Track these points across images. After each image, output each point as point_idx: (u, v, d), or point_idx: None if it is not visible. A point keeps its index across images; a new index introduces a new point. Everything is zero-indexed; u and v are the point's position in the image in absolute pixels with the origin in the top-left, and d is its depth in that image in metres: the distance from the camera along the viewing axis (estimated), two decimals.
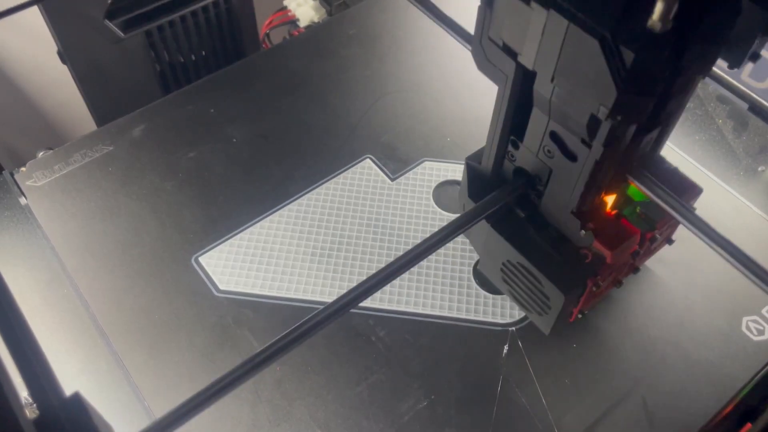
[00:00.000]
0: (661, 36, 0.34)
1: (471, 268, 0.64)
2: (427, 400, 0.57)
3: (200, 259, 0.65)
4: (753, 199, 0.69)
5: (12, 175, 0.70)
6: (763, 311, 0.62)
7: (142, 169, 0.71)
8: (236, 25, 0.92)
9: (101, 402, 0.56)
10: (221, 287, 0.63)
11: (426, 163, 0.72)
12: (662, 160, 0.53)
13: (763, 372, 0.59)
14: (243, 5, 0.91)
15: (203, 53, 0.92)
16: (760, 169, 0.72)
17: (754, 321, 0.61)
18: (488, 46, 0.45)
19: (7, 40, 1.05)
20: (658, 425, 0.56)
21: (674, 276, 0.64)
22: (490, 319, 0.61)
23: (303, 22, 1.00)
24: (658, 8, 0.33)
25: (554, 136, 0.47)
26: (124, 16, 0.81)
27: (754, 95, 0.78)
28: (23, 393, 0.46)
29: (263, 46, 1.02)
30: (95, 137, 0.74)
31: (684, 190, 0.53)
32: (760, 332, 0.61)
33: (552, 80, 0.41)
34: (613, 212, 0.53)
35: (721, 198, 0.70)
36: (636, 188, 0.50)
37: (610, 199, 0.52)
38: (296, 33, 1.00)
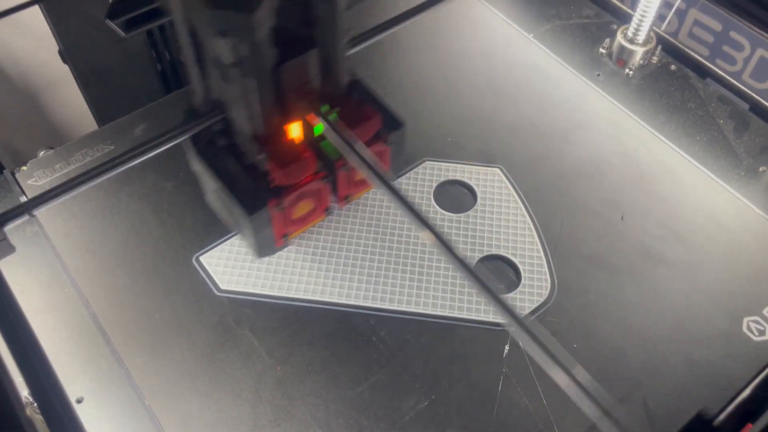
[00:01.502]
0: None
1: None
2: (428, 400, 0.57)
3: (201, 258, 0.65)
4: (754, 200, 0.69)
5: (13, 174, 0.70)
6: (764, 311, 0.62)
7: (142, 168, 0.71)
8: None
9: (102, 402, 0.56)
10: (222, 287, 0.63)
11: (427, 162, 0.72)
12: (355, 86, 0.58)
13: (763, 372, 0.59)
14: None
15: None
16: (761, 169, 0.72)
17: (755, 321, 0.61)
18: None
19: (8, 39, 1.05)
20: (658, 425, 0.56)
21: (675, 276, 0.64)
22: (491, 319, 0.61)
23: None
24: None
25: (214, 61, 0.49)
26: (126, 15, 0.81)
27: (755, 96, 0.78)
28: (24, 392, 0.46)
29: None
30: (96, 137, 0.74)
31: (362, 121, 0.56)
32: (761, 332, 0.61)
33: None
34: (299, 139, 0.56)
35: (722, 198, 0.70)
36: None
37: (294, 128, 0.55)
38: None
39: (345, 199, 0.64)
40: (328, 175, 0.59)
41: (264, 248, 0.62)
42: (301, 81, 0.52)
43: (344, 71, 0.55)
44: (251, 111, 0.51)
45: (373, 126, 0.57)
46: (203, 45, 0.48)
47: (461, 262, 0.44)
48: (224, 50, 0.45)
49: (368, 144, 0.57)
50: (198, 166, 0.59)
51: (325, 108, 0.54)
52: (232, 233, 0.66)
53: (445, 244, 0.44)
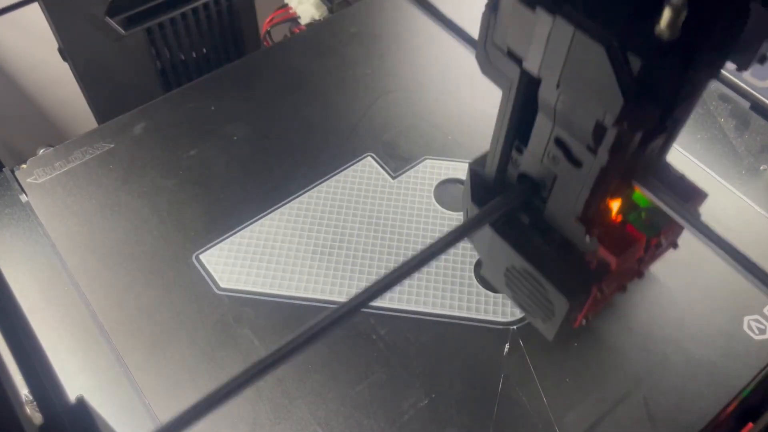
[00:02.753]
0: (669, 43, 0.33)
1: (472, 267, 0.64)
2: (428, 399, 0.57)
3: (201, 256, 0.65)
4: (755, 198, 0.69)
5: (13, 172, 0.70)
6: (765, 310, 0.62)
7: (142, 166, 0.71)
8: (237, 22, 0.92)
9: (102, 400, 0.56)
10: (222, 285, 0.63)
11: (427, 161, 0.72)
12: (668, 166, 0.53)
13: (764, 371, 0.58)
14: (244, 3, 0.91)
15: (204, 51, 0.92)
16: (761, 168, 0.72)
17: (756, 320, 0.61)
18: (492, 51, 0.44)
19: (7, 37, 1.05)
20: (659, 425, 0.56)
21: (675, 275, 0.64)
22: (491, 318, 0.61)
23: (304, 20, 1.00)
24: (666, 15, 0.32)
25: (559, 142, 0.46)
26: (125, 13, 0.81)
27: (756, 94, 0.78)
28: (23, 390, 0.46)
29: (264, 43, 1.01)
30: (96, 135, 0.74)
31: (689, 195, 0.53)
32: (762, 331, 0.61)
33: (557, 86, 0.40)
34: (619, 218, 0.52)
35: (722, 197, 0.70)
36: (640, 194, 0.49)
37: (615, 205, 0.51)
38: (297, 31, 0.99)
39: (643, 274, 0.59)
40: (643, 257, 0.54)
41: (562, 330, 0.56)
42: (646, 157, 0.48)
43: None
44: (593, 194, 0.47)
45: (699, 200, 0.55)
46: (541, 126, 0.45)
47: None
48: (607, 140, 0.41)
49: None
50: (486, 238, 0.55)
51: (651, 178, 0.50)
52: (232, 231, 0.66)
53: None
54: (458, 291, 0.63)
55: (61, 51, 0.82)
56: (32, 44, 1.04)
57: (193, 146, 0.73)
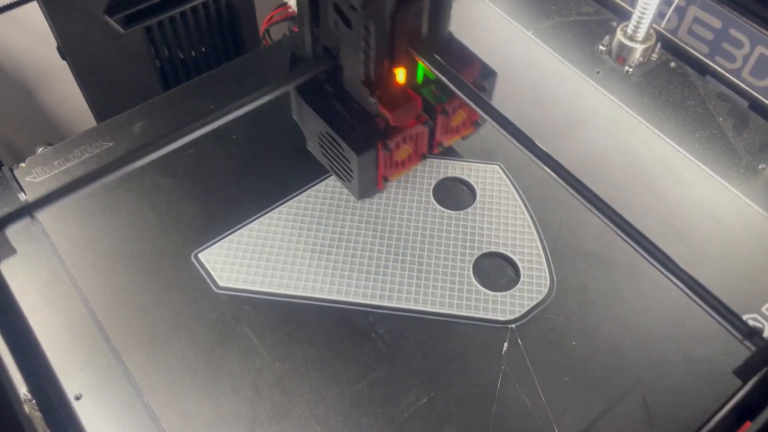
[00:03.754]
0: None
1: (471, 265, 0.64)
2: (427, 398, 0.57)
3: (200, 255, 0.65)
4: (753, 198, 0.69)
5: (11, 170, 0.70)
6: (763, 309, 0.62)
7: (141, 165, 0.71)
8: (236, 21, 0.92)
9: (100, 399, 0.56)
10: (221, 284, 0.63)
11: (426, 159, 0.72)
12: (451, 39, 0.62)
13: (763, 370, 0.59)
14: (243, 1, 0.91)
15: (203, 49, 0.92)
16: (760, 167, 0.72)
17: (754, 319, 0.61)
18: None
19: (6, 35, 1.05)
20: (657, 423, 0.56)
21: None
22: (490, 317, 0.61)
23: None
24: None
25: (335, 6, 0.54)
26: (124, 11, 0.81)
27: (755, 93, 0.78)
28: (22, 389, 0.46)
29: (263, 42, 1.01)
30: (95, 133, 0.74)
31: (465, 66, 0.61)
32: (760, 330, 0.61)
33: None
34: (403, 84, 0.60)
35: (721, 196, 0.70)
36: (425, 68, 0.59)
37: (400, 72, 0.59)
38: (297, 29, 0.99)
39: (438, 145, 0.68)
40: (428, 120, 0.63)
41: (365, 189, 0.66)
42: (412, 28, 0.56)
43: (448, 23, 0.60)
44: (367, 55, 0.54)
45: (473, 70, 0.62)
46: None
47: None
48: None
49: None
50: (303, 113, 0.63)
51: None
52: (231, 230, 0.66)
53: None
54: (457, 290, 0.63)
55: (60, 50, 0.82)
56: (31, 43, 1.04)
57: (192, 145, 0.73)
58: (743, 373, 0.39)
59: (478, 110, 0.55)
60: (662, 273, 0.43)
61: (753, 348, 0.39)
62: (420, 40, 0.58)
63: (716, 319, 0.39)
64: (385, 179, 0.66)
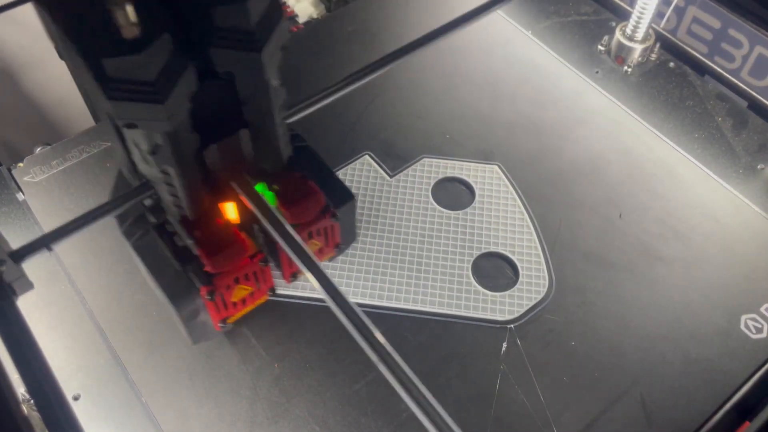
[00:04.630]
0: (137, 40, 0.34)
1: (470, 265, 0.64)
2: None
3: None
4: (752, 197, 0.69)
5: (9, 170, 0.70)
6: (762, 309, 0.62)
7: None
8: None
9: (99, 399, 0.56)
10: None
11: (425, 159, 0.72)
12: (299, 156, 0.52)
13: (761, 370, 0.59)
14: None
15: None
16: (759, 167, 0.72)
17: (753, 319, 0.61)
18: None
19: (5, 35, 1.05)
20: (656, 423, 0.56)
21: (673, 274, 0.64)
22: (489, 317, 0.61)
23: (302, 18, 1.00)
24: (116, 16, 0.33)
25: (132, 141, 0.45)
26: None
27: (754, 93, 0.78)
28: (20, 389, 0.46)
29: None
30: (93, 133, 0.74)
31: (302, 198, 0.51)
32: (759, 330, 0.61)
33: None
34: (232, 221, 0.51)
35: (720, 196, 0.70)
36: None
37: (227, 208, 0.50)
38: (295, 29, 0.99)
39: (292, 276, 0.59)
40: (268, 256, 0.54)
41: (198, 335, 0.56)
42: (232, 161, 0.47)
43: (284, 146, 0.49)
44: (176, 194, 0.46)
45: (315, 204, 0.52)
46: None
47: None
48: (138, 139, 0.41)
49: (314, 221, 0.54)
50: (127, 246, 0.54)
51: (260, 186, 0.49)
52: None
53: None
54: (456, 290, 0.63)
55: (58, 50, 0.82)
56: (30, 42, 1.04)
57: None
58: None
59: (301, 266, 0.44)
60: None
61: None
62: (246, 169, 0.48)
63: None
64: (224, 321, 0.56)
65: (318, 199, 0.52)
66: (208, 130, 0.43)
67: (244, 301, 0.56)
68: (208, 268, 0.49)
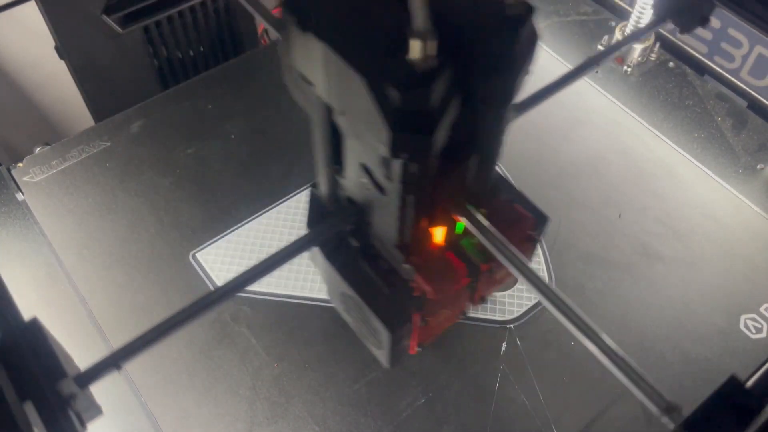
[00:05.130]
0: (428, 73, 0.33)
1: None
2: (425, 398, 0.57)
3: (198, 255, 0.65)
4: (752, 197, 0.69)
5: (9, 170, 0.70)
6: (761, 309, 0.62)
7: (139, 165, 0.71)
8: (234, 20, 0.92)
9: (98, 398, 0.56)
10: (219, 283, 0.63)
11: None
12: (502, 188, 0.52)
13: (761, 370, 0.59)
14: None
15: (201, 49, 0.91)
16: (759, 166, 0.72)
17: (753, 319, 0.61)
18: (292, 74, 0.42)
19: (4, 35, 1.04)
20: (655, 423, 0.56)
21: (672, 274, 0.64)
22: (488, 317, 0.61)
23: None
24: (413, 47, 0.31)
25: (365, 168, 0.44)
26: (122, 11, 0.81)
27: (753, 93, 0.78)
28: None
29: (261, 41, 1.01)
30: (93, 133, 0.74)
31: (514, 223, 0.51)
32: (758, 330, 0.61)
33: (342, 114, 0.39)
34: (442, 246, 0.50)
35: (720, 196, 0.70)
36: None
37: (439, 233, 0.49)
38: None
39: (480, 300, 0.58)
40: (472, 282, 0.53)
41: (396, 359, 0.55)
42: (457, 187, 0.46)
43: (493, 172, 0.50)
44: (403, 222, 0.45)
45: (525, 225, 0.52)
46: (349, 150, 0.43)
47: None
48: (394, 170, 0.40)
49: (519, 243, 0.52)
50: (323, 267, 0.53)
51: (471, 208, 0.48)
52: (230, 230, 0.66)
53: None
54: None
55: (58, 49, 0.82)
56: (29, 42, 1.04)
57: (191, 144, 0.73)
58: None
59: (524, 280, 0.44)
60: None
61: (671, 425, 0.38)
62: (462, 196, 0.48)
63: (636, 393, 0.39)
64: (421, 346, 0.56)
65: (528, 222, 0.52)
66: (448, 157, 0.42)
67: (440, 325, 0.56)
68: (429, 295, 0.49)
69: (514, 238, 0.48)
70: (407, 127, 0.35)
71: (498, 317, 0.61)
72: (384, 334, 0.50)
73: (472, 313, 0.61)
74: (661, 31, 0.82)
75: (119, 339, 0.59)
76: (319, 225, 0.49)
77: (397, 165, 0.40)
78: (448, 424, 0.55)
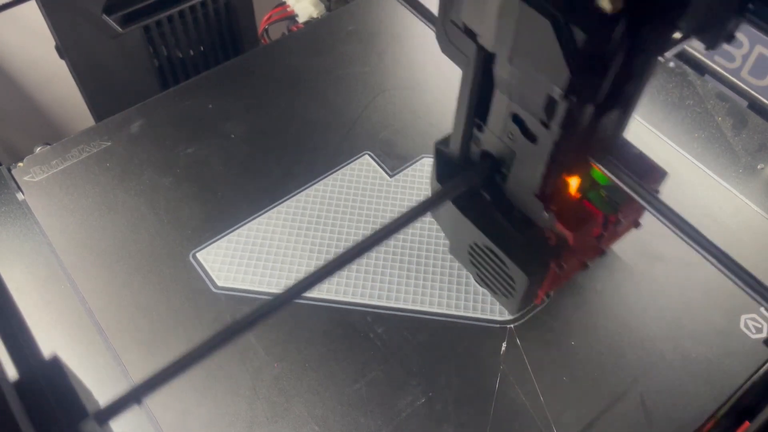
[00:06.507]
0: (612, 16, 0.34)
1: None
2: (425, 397, 0.57)
3: (198, 255, 0.65)
4: (752, 197, 0.69)
5: (9, 170, 0.70)
6: (762, 309, 0.62)
7: (140, 164, 0.71)
8: (235, 20, 0.92)
9: (98, 398, 0.56)
10: (219, 283, 0.63)
11: (425, 159, 0.72)
12: (626, 144, 0.54)
13: (761, 370, 0.59)
14: (241, 1, 0.91)
15: (202, 49, 0.91)
16: (759, 166, 0.72)
17: (753, 319, 0.61)
18: (450, 28, 0.46)
19: (5, 34, 1.05)
20: (655, 423, 0.56)
21: (672, 273, 0.64)
22: (488, 316, 0.61)
23: (302, 18, 1.00)
24: None
25: (515, 118, 0.47)
26: (123, 11, 0.81)
27: (754, 92, 0.78)
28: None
29: (262, 41, 1.01)
30: (93, 132, 0.74)
31: (646, 173, 0.54)
32: (759, 330, 0.61)
33: (510, 61, 0.41)
34: (577, 195, 0.53)
35: (720, 196, 0.70)
36: (599, 171, 0.50)
37: (573, 182, 0.52)
38: (295, 29, 0.99)
39: (603, 253, 0.61)
40: (602, 233, 0.56)
41: (523, 305, 0.59)
42: (600, 133, 0.48)
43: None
44: (549, 170, 0.48)
45: (656, 176, 0.55)
46: (499, 103, 0.46)
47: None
48: (558, 113, 0.42)
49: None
50: (452, 220, 0.56)
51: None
52: (230, 229, 0.66)
53: None
54: (455, 290, 0.63)
55: (58, 49, 0.82)
56: (29, 42, 1.04)
57: (191, 144, 0.73)
58: None
59: (664, 221, 0.48)
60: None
61: None
62: (598, 145, 0.50)
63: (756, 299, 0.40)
64: (547, 295, 0.59)
65: (658, 172, 0.55)
66: (603, 102, 0.45)
67: (567, 274, 0.59)
68: (570, 240, 0.51)
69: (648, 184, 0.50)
70: (584, 68, 0.37)
71: (498, 317, 0.61)
72: (522, 280, 0.54)
73: (472, 313, 0.61)
74: None
75: (119, 338, 0.59)
76: (453, 180, 0.52)
77: (562, 108, 0.41)
78: (447, 424, 0.55)
